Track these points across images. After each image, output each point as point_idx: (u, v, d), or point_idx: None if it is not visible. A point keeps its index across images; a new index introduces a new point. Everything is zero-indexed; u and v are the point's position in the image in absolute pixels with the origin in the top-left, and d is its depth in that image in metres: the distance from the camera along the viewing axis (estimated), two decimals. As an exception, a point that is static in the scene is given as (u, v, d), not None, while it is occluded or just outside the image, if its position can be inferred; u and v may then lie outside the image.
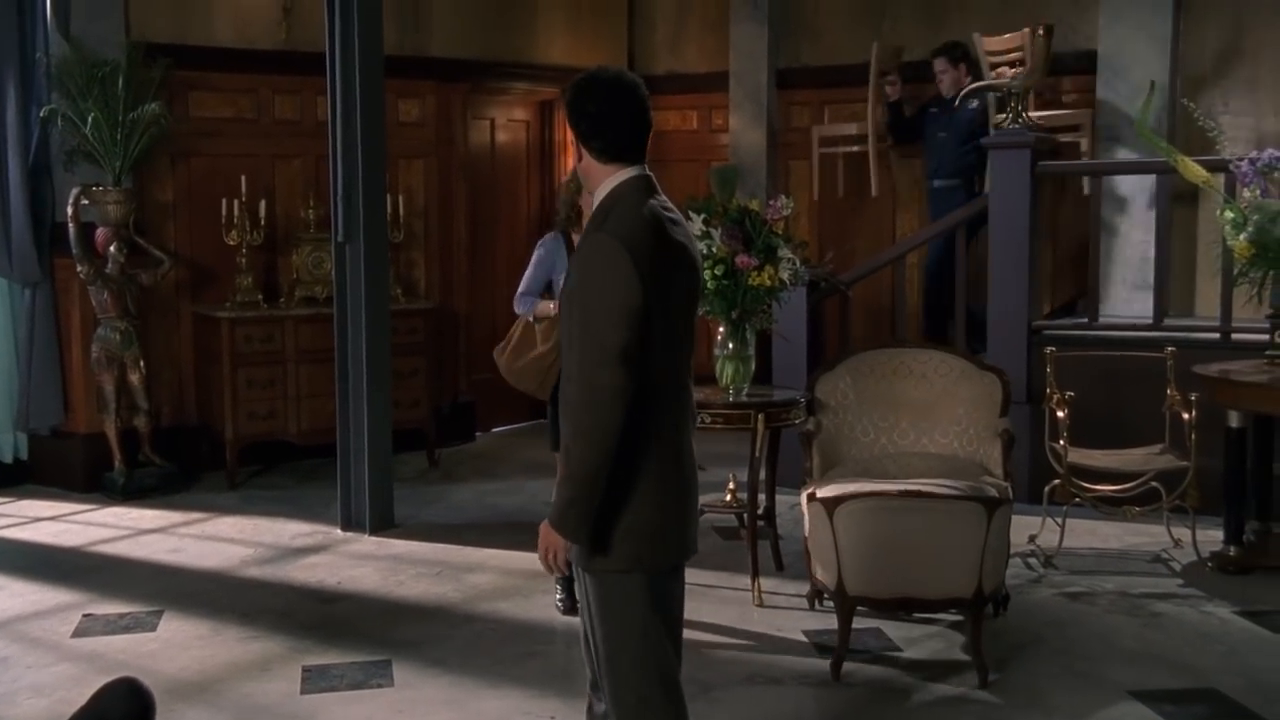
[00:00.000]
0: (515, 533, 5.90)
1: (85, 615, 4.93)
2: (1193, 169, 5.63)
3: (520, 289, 4.91)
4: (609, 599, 2.81)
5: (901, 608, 4.49)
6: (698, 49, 9.01)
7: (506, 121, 8.61)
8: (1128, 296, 6.93)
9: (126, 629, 4.79)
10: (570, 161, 8.83)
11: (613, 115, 2.79)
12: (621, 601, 2.81)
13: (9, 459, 6.93)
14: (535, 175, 8.83)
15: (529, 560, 5.49)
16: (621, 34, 9.17)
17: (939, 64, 7.45)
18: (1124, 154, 6.94)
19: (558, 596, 4.89)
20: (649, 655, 2.82)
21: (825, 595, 4.58)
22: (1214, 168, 5.74)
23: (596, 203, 2.83)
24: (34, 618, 4.94)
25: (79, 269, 6.55)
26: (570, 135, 9.00)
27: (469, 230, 8.21)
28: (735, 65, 8.52)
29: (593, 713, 3.03)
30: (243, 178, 7.04)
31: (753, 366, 5.20)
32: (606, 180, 2.82)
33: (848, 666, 4.28)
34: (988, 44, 7.14)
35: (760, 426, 5.00)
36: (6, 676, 4.36)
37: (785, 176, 8.62)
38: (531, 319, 4.91)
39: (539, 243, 4.94)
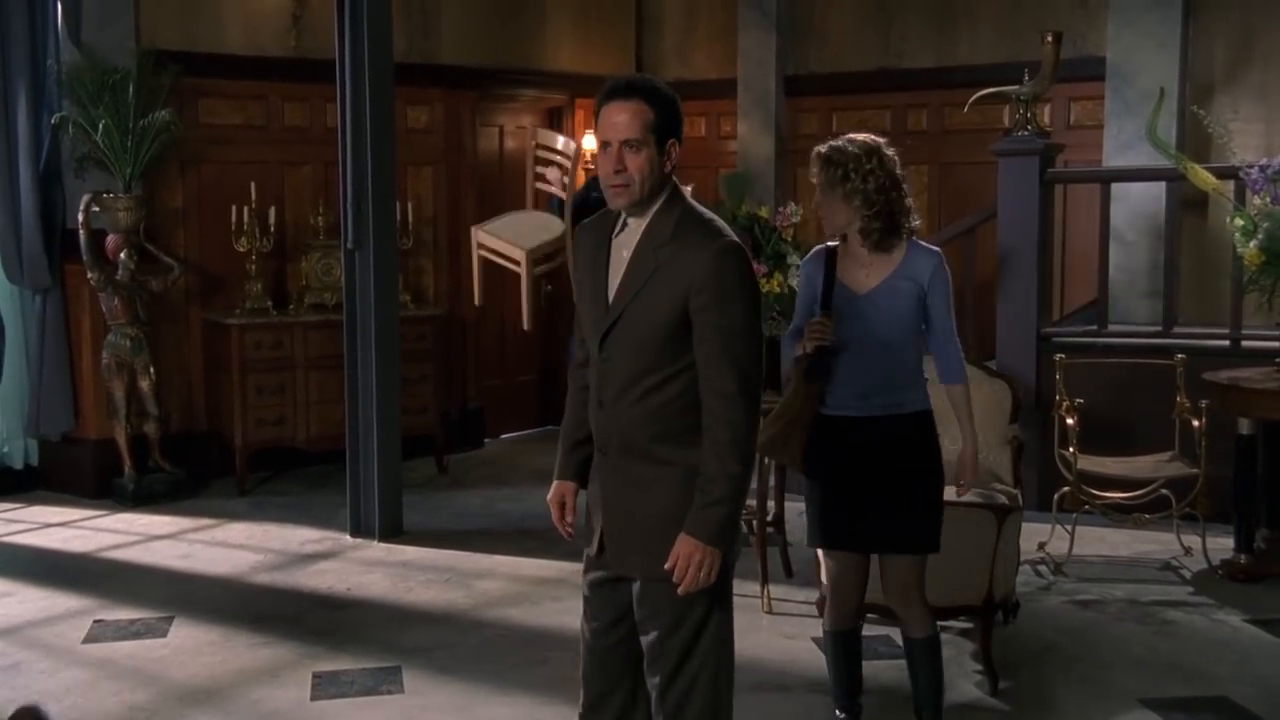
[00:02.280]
0: (524, 539, 5.91)
1: (96, 621, 4.94)
2: (1202, 176, 5.63)
3: (792, 325, 3.73)
4: (700, 600, 2.78)
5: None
6: (706, 56, 9.02)
7: (515, 129, 8.61)
8: (1136, 304, 6.92)
9: (137, 635, 4.81)
10: (579, 171, 8.83)
11: None
12: (713, 598, 2.81)
13: (19, 465, 6.95)
14: (544, 182, 8.83)
15: (538, 567, 5.52)
16: (630, 41, 9.18)
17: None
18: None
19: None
20: (728, 651, 2.87)
21: (835, 602, 4.56)
22: (1224, 175, 5.73)
23: (656, 209, 2.78)
24: (45, 623, 4.95)
25: (89, 275, 6.57)
26: (576, 143, 8.91)
27: (478, 237, 8.21)
28: (743, 72, 8.53)
29: None
30: (252, 184, 7.06)
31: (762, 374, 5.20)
32: (664, 189, 2.80)
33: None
34: (541, 137, 6.49)
35: (769, 433, 5.00)
36: (18, 682, 4.37)
37: (794, 183, 8.63)
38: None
39: (803, 262, 3.73)
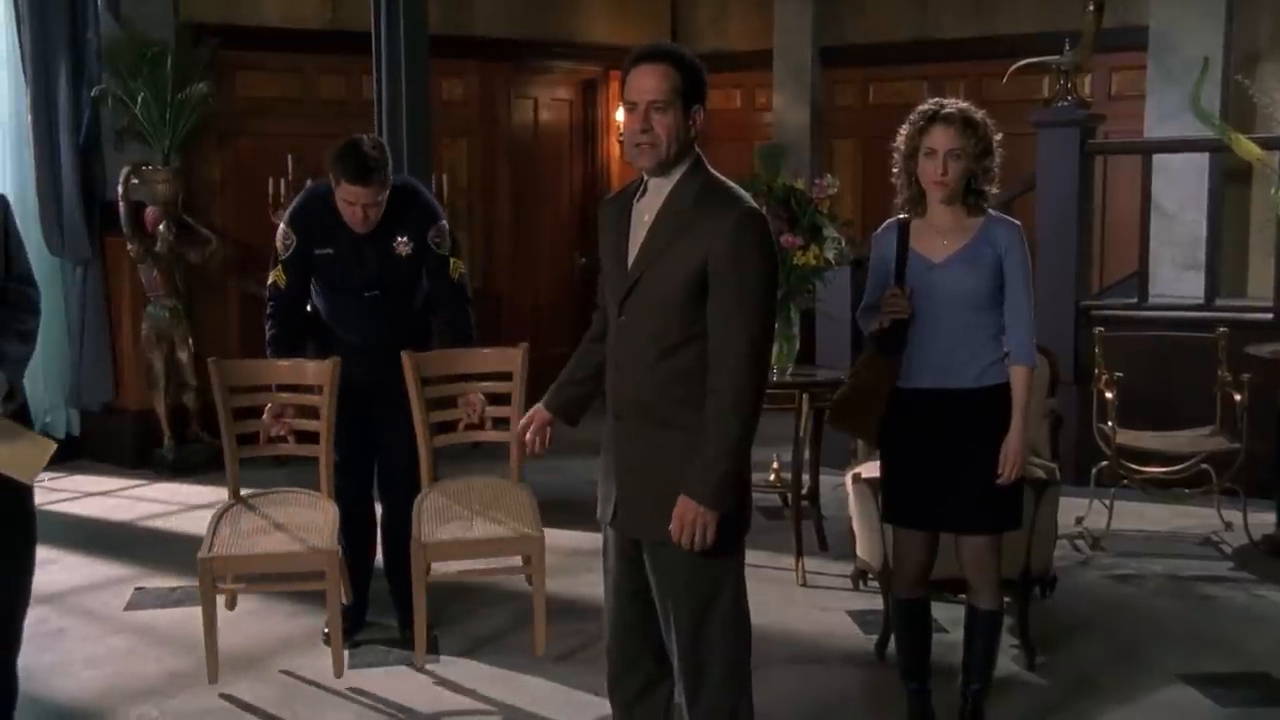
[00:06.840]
0: (559, 512, 5.89)
1: (137, 589, 5.01)
2: (1246, 146, 5.54)
3: (864, 301, 3.60)
4: (710, 565, 2.80)
5: (947, 588, 4.45)
6: (741, 26, 8.96)
7: (550, 100, 8.60)
8: (1177, 276, 6.84)
9: (178, 603, 4.86)
10: (614, 142, 8.83)
11: None
12: (724, 562, 2.83)
13: (61, 435, 7.01)
14: (578, 155, 8.83)
15: (574, 538, 5.53)
16: (664, 12, 9.13)
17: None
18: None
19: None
20: (743, 616, 2.88)
21: (869, 575, 4.57)
22: (1269, 145, 5.65)
23: (680, 175, 2.80)
24: (88, 591, 5.02)
25: (129, 247, 6.63)
26: (610, 114, 8.86)
27: (512, 210, 8.23)
28: (779, 43, 8.47)
29: (623, 696, 3.05)
30: (289, 157, 7.08)
31: (797, 346, 5.18)
32: (689, 155, 2.82)
33: (892, 646, 4.26)
34: None
35: (804, 407, 5.00)
36: (62, 648, 4.44)
37: (829, 155, 8.57)
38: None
39: (874, 237, 3.59)
